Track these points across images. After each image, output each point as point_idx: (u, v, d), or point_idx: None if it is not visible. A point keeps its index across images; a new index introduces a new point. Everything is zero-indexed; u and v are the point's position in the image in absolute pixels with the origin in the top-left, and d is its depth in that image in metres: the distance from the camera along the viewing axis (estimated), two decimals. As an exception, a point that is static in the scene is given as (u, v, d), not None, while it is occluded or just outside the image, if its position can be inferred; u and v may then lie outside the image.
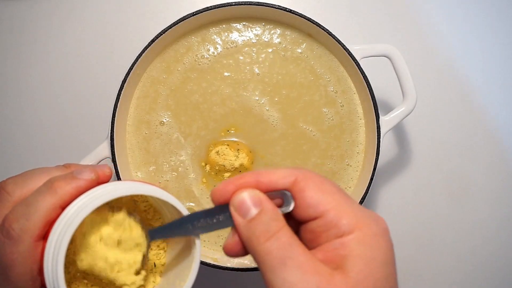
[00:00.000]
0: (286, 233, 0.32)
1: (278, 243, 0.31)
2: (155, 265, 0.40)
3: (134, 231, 0.36)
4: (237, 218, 0.33)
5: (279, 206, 0.34)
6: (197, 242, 0.36)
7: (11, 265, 0.34)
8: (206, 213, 0.35)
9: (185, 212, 0.36)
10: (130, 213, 0.37)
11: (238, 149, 0.54)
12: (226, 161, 0.53)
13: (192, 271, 0.36)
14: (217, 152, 0.54)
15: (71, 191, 0.35)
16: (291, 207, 0.33)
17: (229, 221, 0.34)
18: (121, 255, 0.36)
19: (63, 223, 0.33)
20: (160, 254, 0.40)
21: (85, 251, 0.35)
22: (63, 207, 0.34)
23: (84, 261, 0.35)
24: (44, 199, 0.34)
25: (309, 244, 0.33)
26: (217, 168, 0.54)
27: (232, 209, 0.33)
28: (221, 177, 0.54)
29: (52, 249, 0.33)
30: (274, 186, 0.33)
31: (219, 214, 0.34)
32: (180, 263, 0.38)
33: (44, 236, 0.34)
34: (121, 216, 0.36)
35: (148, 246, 0.37)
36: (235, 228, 0.33)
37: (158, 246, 0.40)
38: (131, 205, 0.40)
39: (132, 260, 0.36)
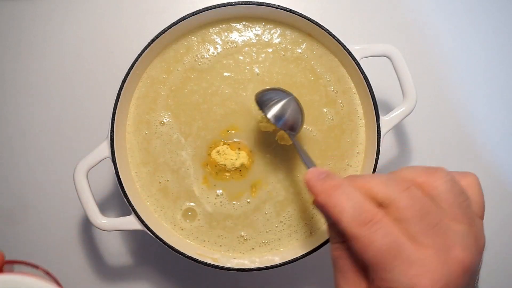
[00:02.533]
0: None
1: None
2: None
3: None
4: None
5: None
6: None
7: None
8: None
9: None
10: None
11: (239, 148, 0.54)
12: (227, 161, 0.53)
13: None
14: (218, 151, 0.54)
15: None
16: None
17: None
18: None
19: None
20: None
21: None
22: None
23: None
24: None
25: None
26: (217, 167, 0.54)
27: None
28: (222, 176, 0.54)
29: None
30: None
31: None
32: None
33: None
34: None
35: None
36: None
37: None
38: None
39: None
